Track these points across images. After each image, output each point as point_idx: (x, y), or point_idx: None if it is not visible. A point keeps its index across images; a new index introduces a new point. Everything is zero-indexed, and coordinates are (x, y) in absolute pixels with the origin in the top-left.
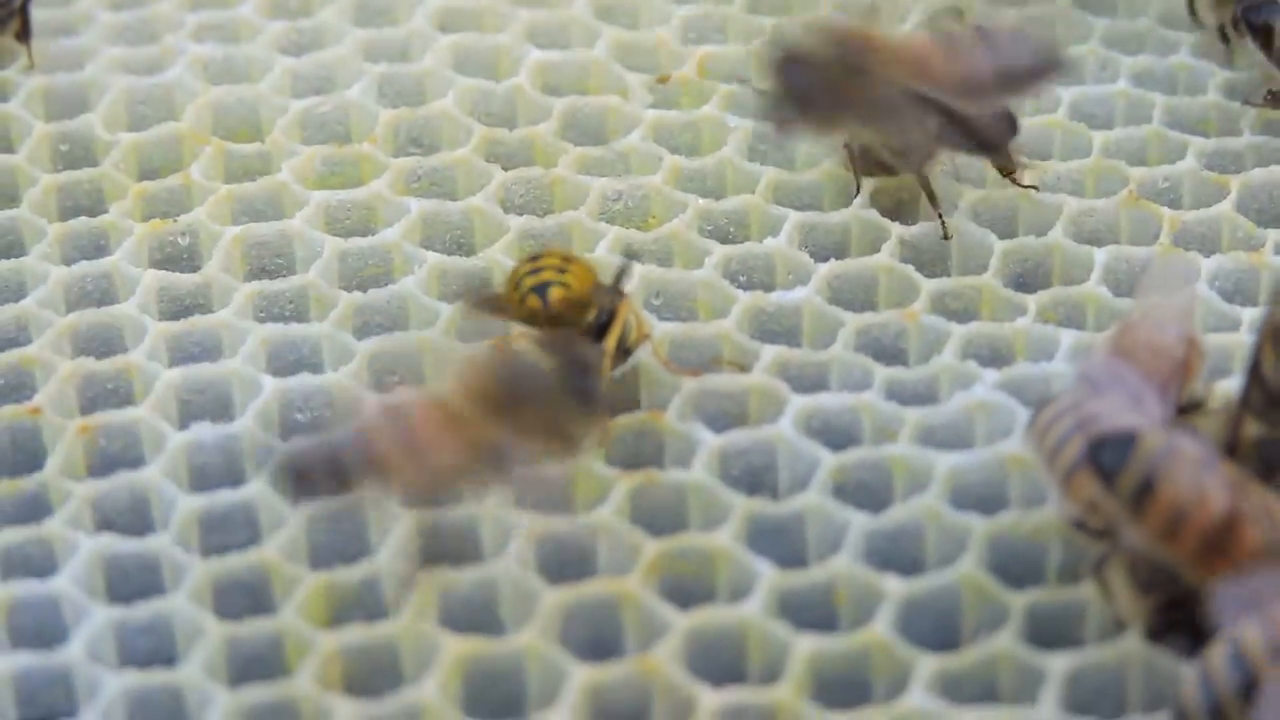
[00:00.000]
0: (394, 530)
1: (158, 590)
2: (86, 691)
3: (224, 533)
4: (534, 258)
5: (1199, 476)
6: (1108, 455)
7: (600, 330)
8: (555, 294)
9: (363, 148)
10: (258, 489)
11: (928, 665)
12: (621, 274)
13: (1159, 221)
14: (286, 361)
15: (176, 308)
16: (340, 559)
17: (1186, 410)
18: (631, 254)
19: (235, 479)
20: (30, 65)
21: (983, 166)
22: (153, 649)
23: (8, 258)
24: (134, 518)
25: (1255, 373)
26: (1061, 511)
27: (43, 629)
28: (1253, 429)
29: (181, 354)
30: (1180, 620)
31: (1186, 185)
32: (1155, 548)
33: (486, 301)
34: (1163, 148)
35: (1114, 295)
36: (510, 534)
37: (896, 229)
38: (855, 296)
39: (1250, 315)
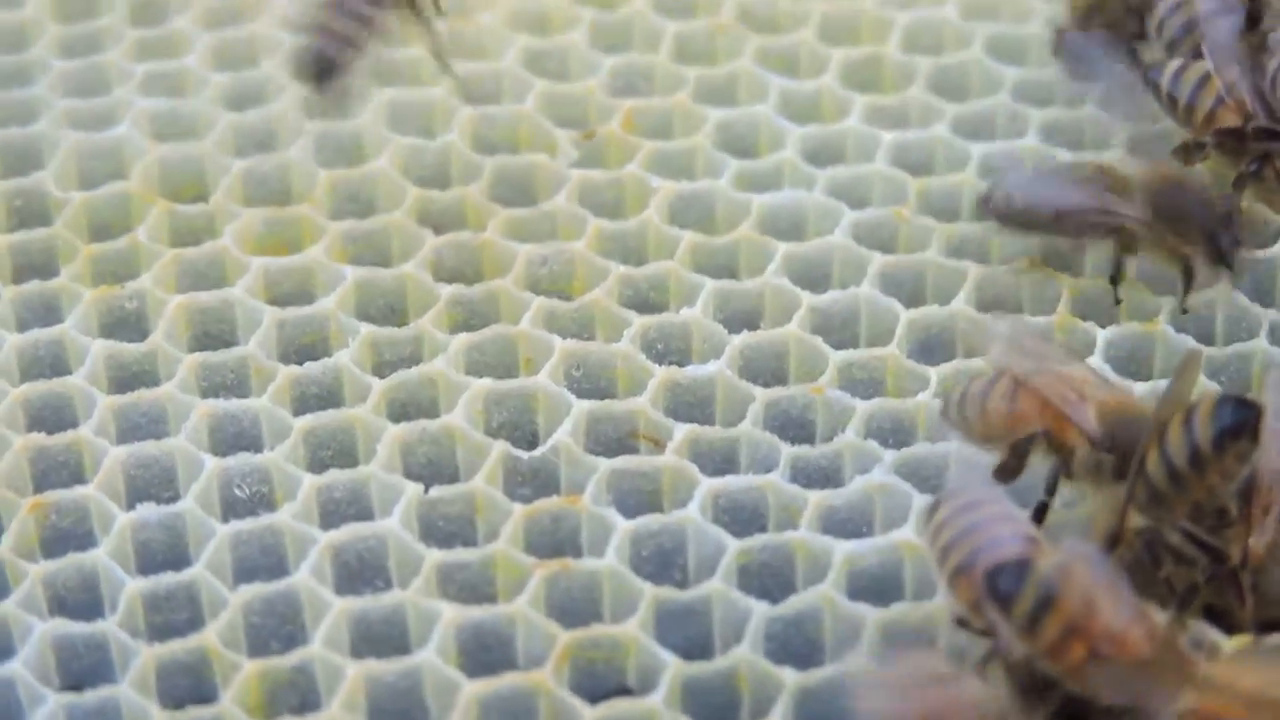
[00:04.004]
0: (327, 617)
1: (107, 670)
2: None
3: (168, 611)
4: None
5: (1090, 594)
6: (1003, 581)
7: None
8: None
9: (302, 209)
10: (199, 571)
11: None
12: None
13: (1059, 288)
14: (227, 435)
15: (124, 376)
16: (276, 641)
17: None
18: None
19: (179, 557)
20: None
21: (891, 233)
22: None
23: None
24: (85, 595)
25: (1140, 469)
26: (949, 606)
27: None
28: (1137, 521)
29: (129, 426)
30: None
31: (1089, 248)
32: (1041, 661)
33: None
34: None
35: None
36: (434, 622)
37: (807, 297)
38: (766, 366)
39: (1141, 389)
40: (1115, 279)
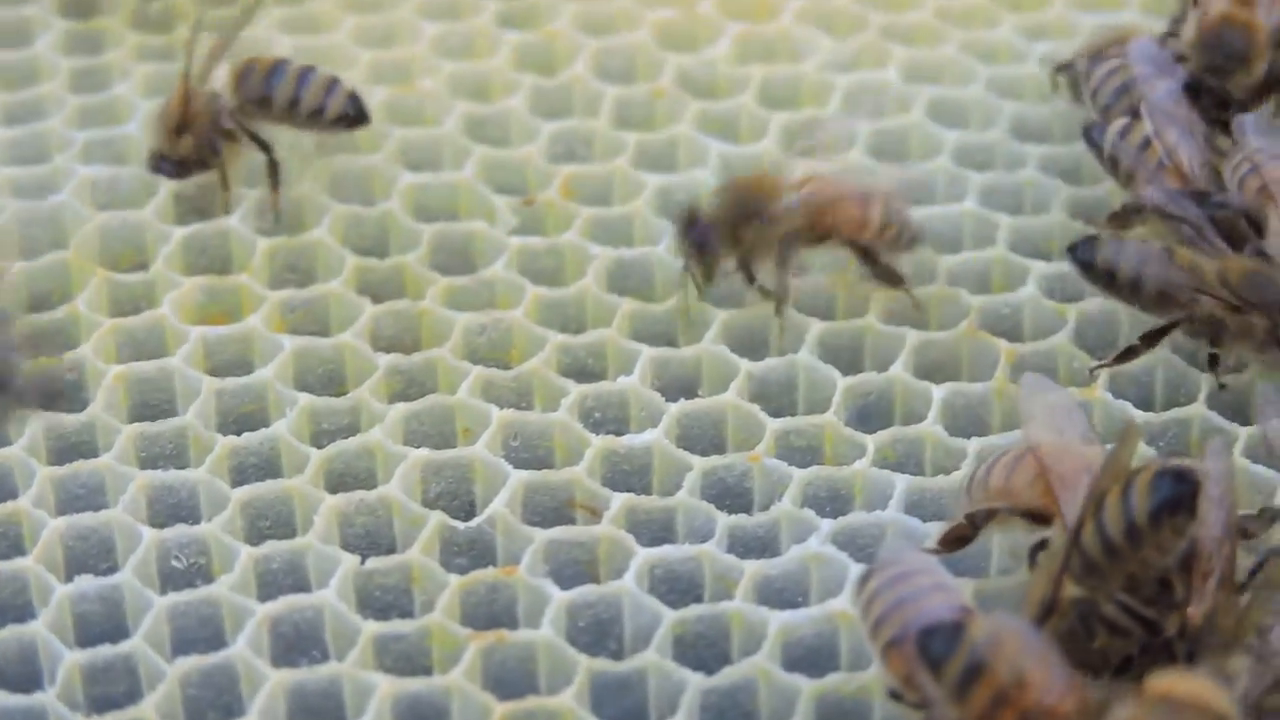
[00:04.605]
0: (264, 689)
1: None
2: None
3: (106, 683)
4: None
5: (1021, 664)
6: (935, 645)
7: None
8: None
9: (242, 278)
10: (137, 643)
11: None
12: None
13: (997, 353)
14: (165, 506)
15: (63, 447)
16: (213, 712)
17: None
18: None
19: (117, 628)
20: None
21: (829, 299)
22: None
23: None
24: (23, 668)
25: (1075, 539)
26: (883, 678)
27: None
28: (1072, 590)
29: (67, 497)
30: None
31: (1027, 313)
32: None
33: None
34: (1006, 273)
35: (949, 435)
36: (369, 695)
37: (745, 364)
38: (704, 434)
39: None
40: (1212, 365)
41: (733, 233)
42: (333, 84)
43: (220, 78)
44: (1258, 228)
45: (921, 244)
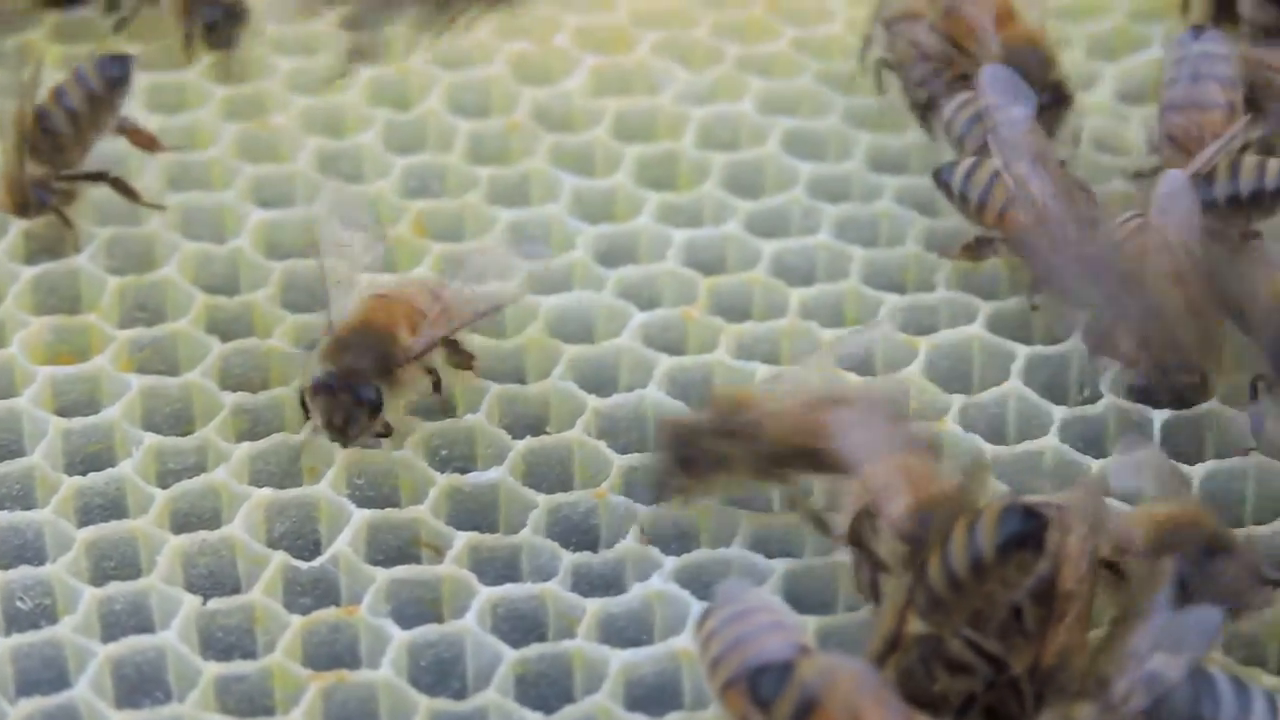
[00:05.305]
0: None
1: None
2: None
3: None
4: None
5: (854, 702)
6: (765, 684)
7: None
8: None
9: (90, 318)
10: None
11: None
12: None
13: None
14: (11, 547)
15: None
16: None
17: None
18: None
19: None
20: None
21: (679, 333)
22: None
23: None
24: None
25: (920, 574)
26: (723, 717)
27: None
28: (916, 626)
29: None
30: None
31: (880, 346)
32: None
33: None
34: (859, 305)
35: None
36: None
37: (593, 400)
38: (550, 472)
39: None
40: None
41: None
42: (80, 71)
43: None
44: None
45: None
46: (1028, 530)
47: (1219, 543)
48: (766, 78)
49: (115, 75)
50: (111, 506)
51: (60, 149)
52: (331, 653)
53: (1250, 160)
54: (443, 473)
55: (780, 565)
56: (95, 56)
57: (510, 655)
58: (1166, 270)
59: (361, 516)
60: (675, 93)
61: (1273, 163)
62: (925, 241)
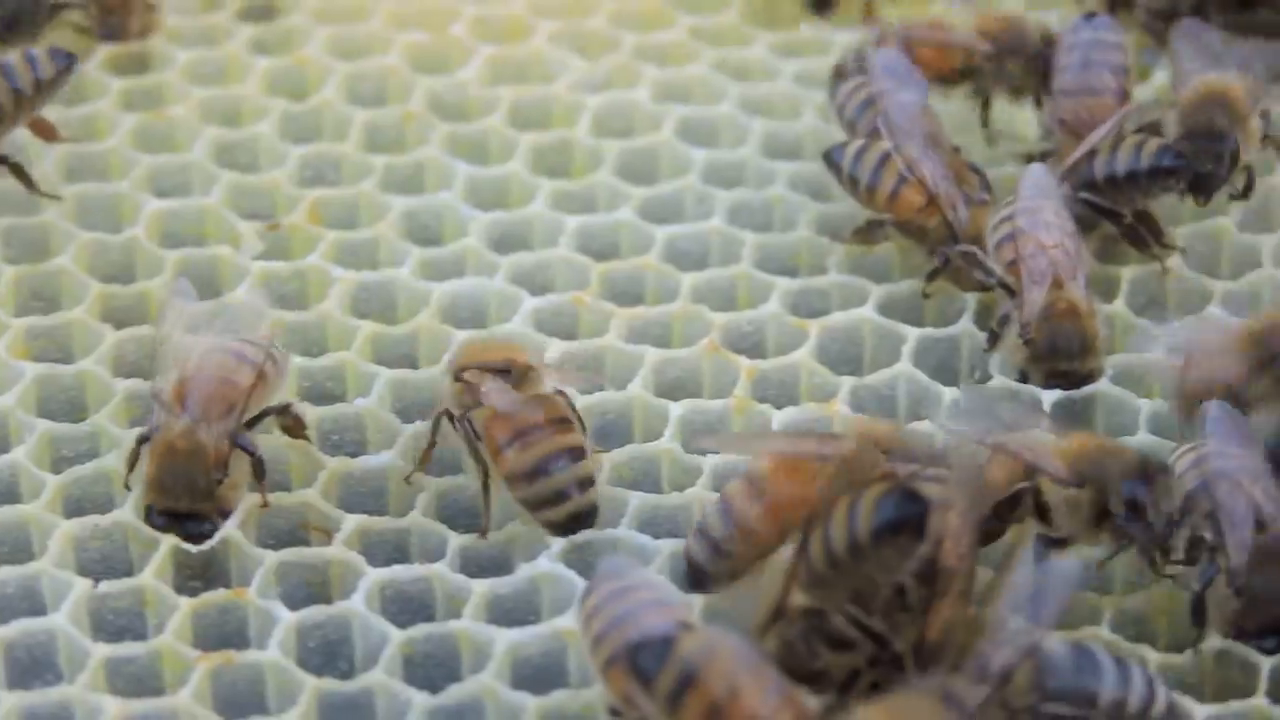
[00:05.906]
0: None
1: None
2: None
3: None
4: None
5: (734, 677)
6: (644, 660)
7: None
8: None
9: None
10: None
11: None
12: None
13: (737, 370)
14: None
15: None
16: None
17: None
18: None
19: None
20: None
21: (571, 318)
22: None
23: None
24: None
25: (803, 550)
26: (604, 696)
27: None
28: (800, 599)
29: None
30: None
31: (770, 330)
32: None
33: None
34: (750, 289)
35: (685, 452)
36: (98, 717)
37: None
38: (440, 455)
39: None
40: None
41: None
42: (31, 55)
43: None
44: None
45: None
46: (903, 517)
47: (1153, 465)
48: (662, 66)
49: (65, 67)
50: (5, 492)
51: None
52: (221, 634)
53: (1131, 140)
54: (334, 457)
55: (667, 545)
56: (48, 46)
57: (397, 636)
58: None
59: (251, 500)
60: (570, 81)
61: (1151, 142)
62: (818, 226)
